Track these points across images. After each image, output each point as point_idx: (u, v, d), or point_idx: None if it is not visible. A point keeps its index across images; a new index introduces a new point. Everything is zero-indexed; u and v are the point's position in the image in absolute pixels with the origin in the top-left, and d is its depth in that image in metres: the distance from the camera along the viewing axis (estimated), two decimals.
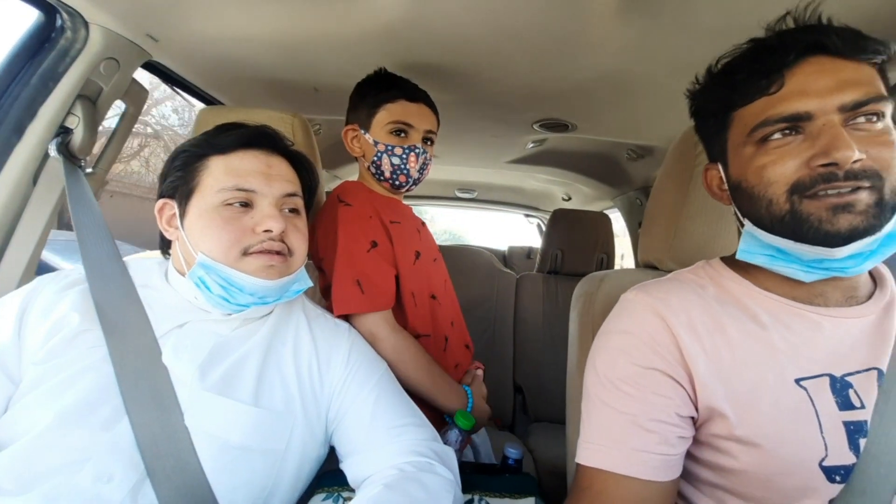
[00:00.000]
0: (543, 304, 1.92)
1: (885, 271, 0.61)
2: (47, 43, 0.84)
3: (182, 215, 0.66)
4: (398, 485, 0.59)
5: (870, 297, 0.57)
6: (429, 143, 0.99)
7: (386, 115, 0.94)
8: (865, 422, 0.51)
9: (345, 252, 0.86)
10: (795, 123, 0.51)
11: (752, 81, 0.54)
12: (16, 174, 0.83)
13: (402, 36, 0.93)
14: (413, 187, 1.01)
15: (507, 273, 2.01)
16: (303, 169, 0.74)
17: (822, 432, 0.51)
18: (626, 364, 0.57)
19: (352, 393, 0.69)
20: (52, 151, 0.85)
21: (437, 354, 0.95)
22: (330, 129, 1.65)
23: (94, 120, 0.92)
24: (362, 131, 0.97)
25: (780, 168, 0.51)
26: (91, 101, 0.92)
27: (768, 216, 0.53)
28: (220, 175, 0.65)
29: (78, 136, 0.88)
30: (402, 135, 0.95)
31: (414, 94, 0.96)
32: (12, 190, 0.83)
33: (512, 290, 1.95)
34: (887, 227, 0.50)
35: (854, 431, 0.51)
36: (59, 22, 0.84)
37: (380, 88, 0.96)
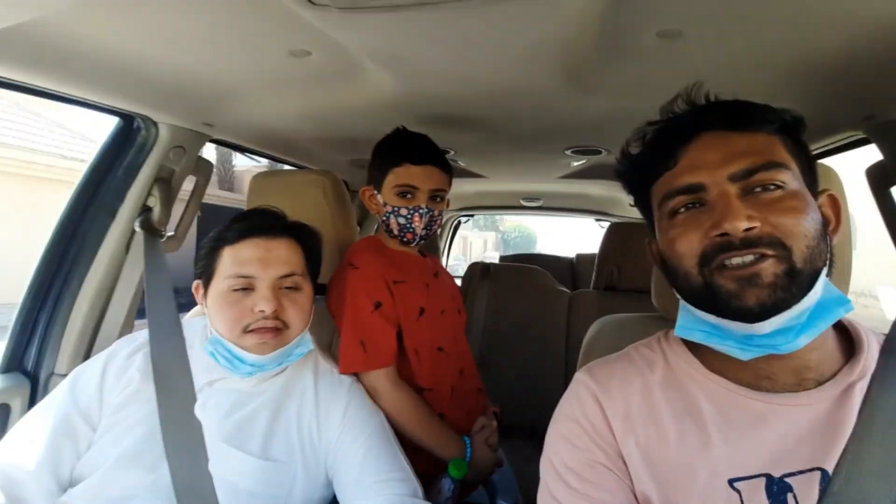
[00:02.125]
0: None
1: (866, 340, 0.53)
2: (127, 142, 1.06)
3: (205, 296, 0.80)
4: None
5: (833, 376, 0.51)
6: (437, 199, 1.04)
7: (393, 179, 1.01)
8: None
9: (351, 313, 0.95)
10: (697, 195, 0.52)
11: (657, 159, 0.57)
12: (111, 249, 1.06)
13: (416, 101, 1.00)
14: (422, 241, 1.07)
15: (561, 291, 1.98)
16: (305, 240, 0.85)
17: None
18: (571, 455, 0.56)
19: (345, 445, 0.78)
20: (137, 227, 1.07)
21: (443, 405, 1.01)
22: None
23: (169, 197, 1.12)
24: (376, 192, 1.05)
25: (687, 240, 0.51)
26: (166, 181, 1.13)
27: (688, 289, 0.53)
28: (228, 264, 0.78)
29: (156, 213, 1.09)
30: (409, 196, 1.01)
31: (419, 157, 1.01)
32: (109, 261, 1.06)
33: (565, 309, 1.92)
34: (810, 298, 0.48)
35: None
36: (135, 124, 1.06)
37: (389, 153, 1.03)
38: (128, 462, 0.71)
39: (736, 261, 0.47)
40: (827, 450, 0.48)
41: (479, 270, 2.11)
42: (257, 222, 0.81)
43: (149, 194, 1.09)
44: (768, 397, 0.51)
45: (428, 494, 0.88)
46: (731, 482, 0.49)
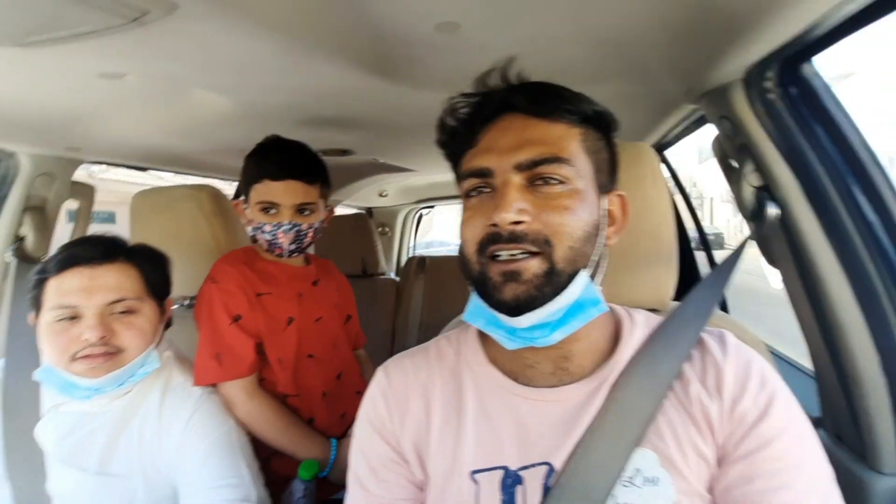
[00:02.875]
0: None
1: (626, 338, 0.54)
2: None
3: (37, 327, 0.81)
4: None
5: (593, 372, 0.53)
6: (306, 212, 1.02)
7: (255, 195, 1.00)
8: None
9: (209, 327, 0.96)
10: (486, 180, 0.51)
11: (463, 135, 0.55)
12: None
13: (266, 111, 1.01)
14: (299, 253, 1.06)
15: None
16: (143, 264, 0.85)
17: None
18: (361, 456, 0.58)
19: (185, 455, 0.81)
20: (8, 258, 1.08)
21: (313, 410, 1.03)
22: None
23: (45, 224, 1.14)
24: (244, 204, 1.04)
25: (472, 225, 0.51)
26: (39, 209, 1.14)
27: (469, 276, 0.52)
28: (52, 295, 0.78)
29: (30, 242, 1.11)
30: (272, 212, 0.99)
31: (279, 172, 0.98)
32: None
33: None
34: (566, 297, 0.49)
35: None
36: None
37: (250, 168, 1.01)
38: None
39: (503, 254, 0.48)
40: (558, 444, 0.50)
41: (414, 264, 2.13)
42: (79, 252, 0.81)
43: (21, 224, 1.11)
44: (527, 391, 0.53)
45: (283, 496, 0.91)
46: (472, 473, 0.51)
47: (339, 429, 1.05)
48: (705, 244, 1.75)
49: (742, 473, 0.46)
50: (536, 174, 0.49)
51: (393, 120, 1.21)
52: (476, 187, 0.53)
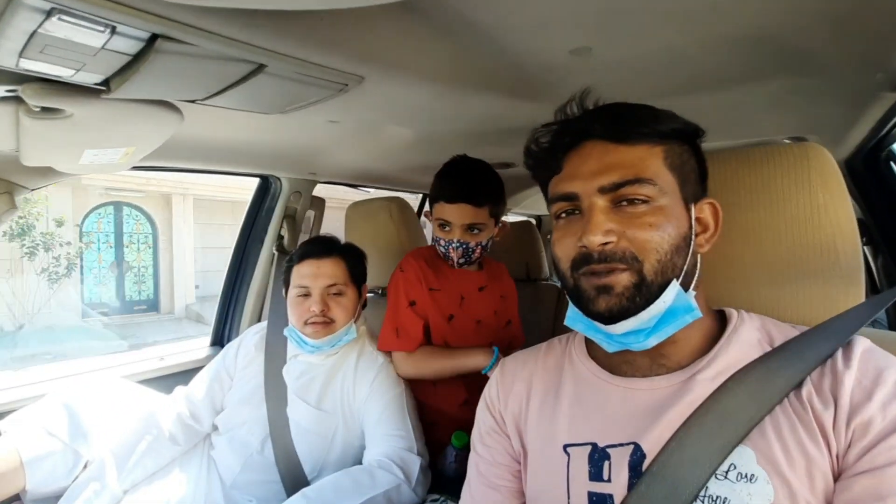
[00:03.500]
0: None
1: (727, 337, 0.55)
2: (266, 193, 1.57)
3: (286, 299, 1.18)
4: (354, 472, 0.94)
5: (687, 365, 0.55)
6: (475, 231, 1.15)
7: (435, 212, 1.20)
8: (609, 496, 0.52)
9: (392, 306, 1.21)
10: (573, 203, 0.56)
11: (547, 161, 0.61)
12: (262, 266, 1.58)
13: (438, 138, 1.24)
14: (468, 265, 1.23)
15: (551, 285, 2.11)
16: (348, 258, 1.16)
17: (568, 498, 0.55)
18: (478, 425, 0.70)
19: (369, 406, 1.07)
20: (274, 251, 1.57)
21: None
22: None
23: (294, 228, 1.61)
24: (432, 218, 1.24)
25: (563, 245, 0.56)
26: (292, 217, 1.61)
27: (566, 288, 0.58)
28: (294, 278, 1.14)
29: (287, 240, 1.58)
30: (447, 228, 1.16)
31: (451, 195, 1.13)
32: (262, 273, 1.59)
33: (554, 303, 2.02)
34: (657, 306, 0.52)
35: (597, 502, 0.53)
36: (269, 181, 1.56)
37: (433, 188, 1.20)
38: (244, 402, 1.13)
39: (597, 270, 0.53)
40: (646, 427, 0.53)
41: None
42: (310, 249, 1.16)
43: (281, 226, 1.59)
44: (620, 381, 0.58)
45: (437, 458, 1.09)
46: (565, 446, 0.58)
47: None
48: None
49: (869, 489, 0.43)
50: (620, 196, 0.53)
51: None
52: (565, 210, 0.57)
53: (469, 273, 1.28)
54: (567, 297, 0.59)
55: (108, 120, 0.75)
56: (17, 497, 0.98)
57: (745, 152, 0.67)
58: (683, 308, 0.53)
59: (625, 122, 0.55)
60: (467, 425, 1.10)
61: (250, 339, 1.24)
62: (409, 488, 0.94)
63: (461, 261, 1.19)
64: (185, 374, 1.45)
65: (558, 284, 2.32)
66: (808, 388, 0.48)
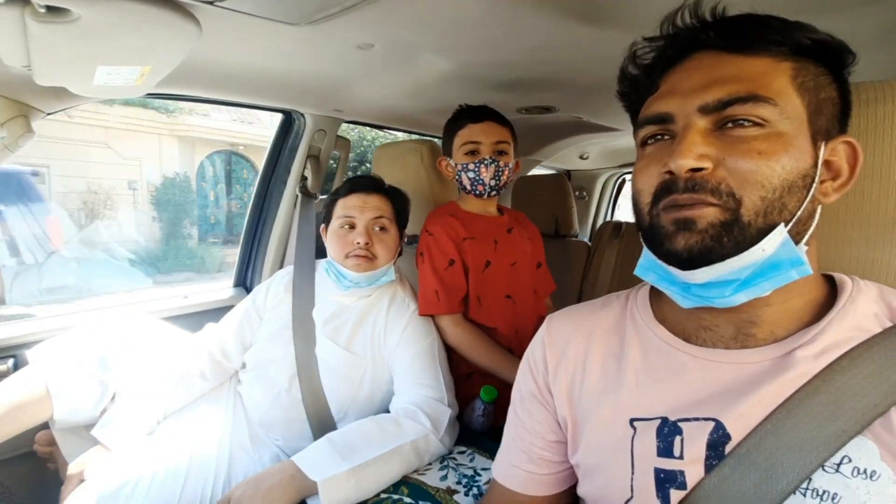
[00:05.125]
0: None
1: (841, 307, 0.46)
2: (289, 131, 1.48)
3: (325, 233, 1.15)
4: (381, 419, 0.91)
5: (785, 337, 0.46)
6: (502, 153, 1.17)
7: (459, 140, 1.17)
8: (679, 472, 0.46)
9: (429, 269, 1.16)
10: (665, 126, 0.47)
11: (644, 83, 0.52)
12: (285, 208, 1.53)
13: (481, 71, 1.12)
14: (496, 193, 1.20)
15: None
16: (394, 198, 1.13)
17: (632, 474, 0.49)
18: (518, 386, 0.65)
19: (399, 353, 1.04)
20: (297, 193, 1.50)
21: (510, 343, 1.16)
22: None
23: (318, 169, 1.53)
24: (448, 159, 1.22)
25: (646, 175, 0.48)
26: (315, 157, 1.53)
27: (641, 227, 0.50)
28: (339, 210, 1.10)
29: (310, 181, 1.51)
30: (475, 152, 1.16)
31: (478, 115, 1.16)
32: (285, 215, 1.53)
33: None
34: (754, 254, 0.43)
35: (665, 480, 0.47)
36: (293, 118, 1.47)
37: (452, 122, 1.20)
38: (273, 339, 1.11)
39: (680, 203, 0.44)
40: (730, 403, 0.46)
41: (610, 228, 2.05)
42: (359, 182, 1.13)
43: (305, 167, 1.51)
44: (697, 350, 0.50)
45: (465, 411, 1.06)
46: (631, 420, 0.51)
47: None
48: None
49: None
50: (726, 116, 0.44)
51: (600, 73, 1.17)
52: (653, 135, 0.48)
53: (494, 218, 1.25)
54: (642, 240, 0.51)
55: (118, 26, 0.67)
56: (45, 425, 1.00)
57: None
58: (789, 261, 0.44)
59: (749, 27, 0.45)
60: (498, 380, 1.10)
61: (279, 280, 1.21)
62: (437, 438, 0.91)
63: (492, 182, 1.17)
64: (207, 314, 1.44)
65: (588, 241, 2.23)
66: None
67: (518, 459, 0.62)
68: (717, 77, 0.44)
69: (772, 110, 0.43)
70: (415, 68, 1.12)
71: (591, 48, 0.98)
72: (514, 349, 1.16)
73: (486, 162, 1.15)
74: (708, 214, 0.43)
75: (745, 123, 0.43)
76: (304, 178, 1.52)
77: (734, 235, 0.43)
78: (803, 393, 0.43)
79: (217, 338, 1.14)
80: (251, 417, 1.08)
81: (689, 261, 0.44)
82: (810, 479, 0.41)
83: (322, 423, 1.03)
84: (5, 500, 1.10)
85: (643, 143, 0.50)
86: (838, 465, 0.41)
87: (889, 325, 0.45)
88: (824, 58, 0.45)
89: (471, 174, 1.16)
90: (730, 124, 0.44)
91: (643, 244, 0.52)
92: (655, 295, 0.58)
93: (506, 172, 1.17)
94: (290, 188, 1.52)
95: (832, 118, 0.46)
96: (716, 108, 0.44)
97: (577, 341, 0.59)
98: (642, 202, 0.49)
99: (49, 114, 1.08)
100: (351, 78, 1.21)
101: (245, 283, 1.62)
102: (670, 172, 0.45)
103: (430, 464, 0.92)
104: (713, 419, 0.46)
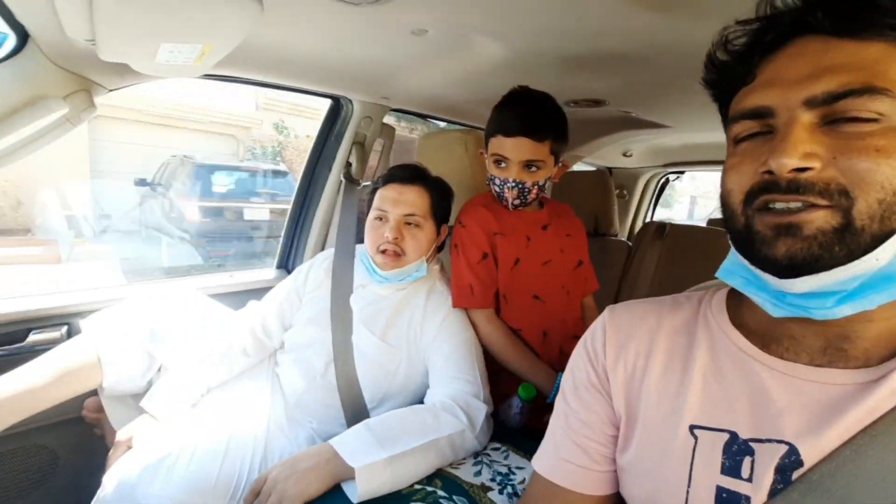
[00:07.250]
0: None
1: None
2: (336, 117, 1.48)
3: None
4: (419, 410, 0.89)
5: (883, 361, 0.41)
6: (532, 169, 1.07)
7: (490, 147, 1.10)
8: (745, 497, 0.43)
9: (462, 262, 1.13)
10: (764, 121, 0.43)
11: (737, 70, 0.47)
12: (329, 193, 1.53)
13: (532, 58, 1.08)
14: (523, 206, 1.13)
15: None
16: (434, 190, 1.10)
17: (688, 487, 0.46)
18: (573, 374, 0.61)
19: (436, 346, 1.02)
20: (341, 178, 1.50)
21: (535, 345, 1.12)
22: None
23: (363, 156, 1.53)
24: (487, 155, 1.15)
25: (738, 174, 0.44)
26: (361, 144, 1.53)
27: (732, 230, 0.46)
28: (376, 201, 1.09)
29: (355, 167, 1.51)
30: (503, 165, 1.07)
31: (510, 128, 1.04)
32: (329, 201, 1.54)
33: None
34: (867, 263, 0.38)
35: (727, 500, 0.44)
36: (341, 104, 1.47)
37: (490, 122, 1.11)
38: (311, 322, 1.12)
39: (780, 205, 0.40)
40: (809, 428, 0.42)
41: (653, 229, 1.97)
42: (397, 173, 1.11)
43: (350, 153, 1.51)
44: (776, 363, 0.45)
45: (501, 407, 1.04)
46: (691, 427, 0.48)
47: (560, 365, 1.11)
48: None
49: None
50: (836, 111, 0.39)
51: (657, 63, 1.12)
52: (749, 132, 0.44)
53: (530, 213, 1.19)
54: (730, 242, 0.47)
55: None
56: (94, 392, 1.03)
57: None
58: None
59: (861, 7, 0.39)
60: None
61: (320, 263, 1.21)
62: (473, 435, 0.89)
63: (516, 202, 1.10)
64: (251, 293, 1.47)
65: (628, 241, 2.16)
66: None
67: (570, 454, 0.58)
68: (826, 65, 0.39)
69: (890, 103, 0.38)
70: (466, 55, 1.09)
71: (655, 35, 0.93)
72: (540, 352, 1.12)
73: (509, 184, 1.08)
74: (816, 219, 0.38)
75: (859, 120, 0.38)
76: (348, 165, 1.52)
77: (847, 242, 0.38)
78: (890, 418, 0.39)
79: (259, 316, 1.16)
80: (289, 399, 1.09)
81: (791, 268, 0.40)
82: None
83: (355, 410, 1.03)
84: (51, 464, 1.15)
85: (736, 142, 0.46)
86: None
87: None
88: None
89: (496, 188, 1.12)
90: (841, 121, 0.39)
91: (731, 246, 0.47)
92: (732, 298, 0.54)
93: (533, 191, 1.10)
94: (335, 173, 1.52)
95: None
96: (825, 102, 0.39)
97: (641, 334, 0.56)
98: (733, 202, 0.44)
99: (111, 90, 1.11)
100: (402, 64, 1.19)
101: (287, 265, 1.65)
102: (770, 172, 0.40)
103: (463, 459, 0.91)
104: (786, 442, 0.42)
